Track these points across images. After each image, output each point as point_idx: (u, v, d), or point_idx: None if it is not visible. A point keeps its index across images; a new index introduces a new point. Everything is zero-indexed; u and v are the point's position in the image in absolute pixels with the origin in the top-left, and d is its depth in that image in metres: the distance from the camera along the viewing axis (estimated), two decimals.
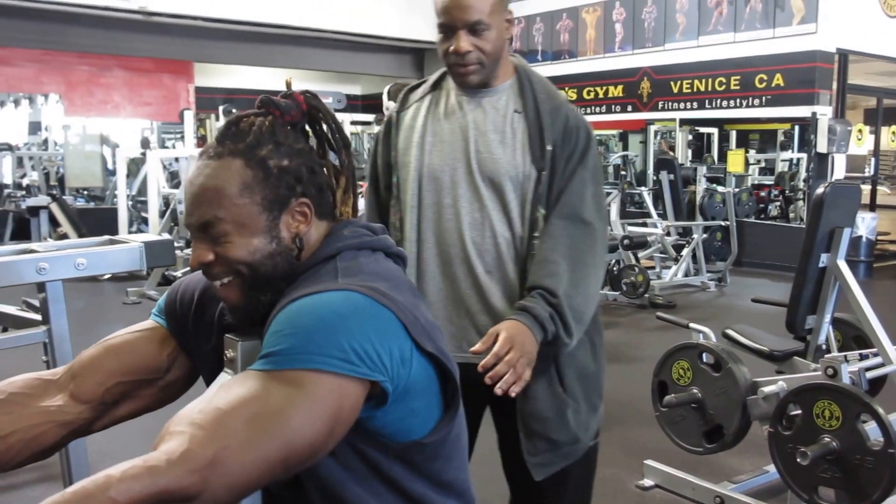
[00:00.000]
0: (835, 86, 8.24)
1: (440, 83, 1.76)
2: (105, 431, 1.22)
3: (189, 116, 8.19)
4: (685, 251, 7.04)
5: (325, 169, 1.15)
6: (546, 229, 1.62)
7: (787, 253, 7.46)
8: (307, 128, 1.17)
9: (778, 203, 9.18)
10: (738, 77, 8.52)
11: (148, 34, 9.37)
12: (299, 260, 1.10)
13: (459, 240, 1.66)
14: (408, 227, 1.70)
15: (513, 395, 1.48)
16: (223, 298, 1.12)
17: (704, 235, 7.36)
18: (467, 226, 1.65)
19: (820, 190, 2.72)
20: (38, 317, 2.02)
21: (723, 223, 7.49)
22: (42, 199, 8.36)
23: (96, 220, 8.48)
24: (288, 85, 1.15)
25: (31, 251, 1.92)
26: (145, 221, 8.48)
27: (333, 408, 0.94)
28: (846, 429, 2.33)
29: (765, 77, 8.28)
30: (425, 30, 11.34)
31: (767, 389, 2.62)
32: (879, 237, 9.08)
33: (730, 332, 3.01)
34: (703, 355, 2.80)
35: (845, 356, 2.55)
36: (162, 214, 7.30)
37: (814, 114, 7.97)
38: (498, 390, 1.46)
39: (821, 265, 2.73)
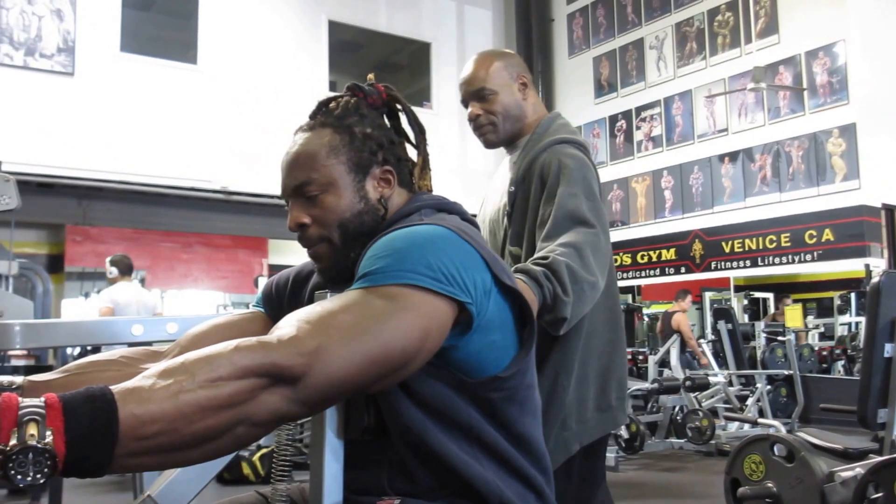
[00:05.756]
0: (885, 238, 8.41)
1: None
2: None
3: (263, 283, 8.68)
4: (749, 401, 6.97)
5: (403, 145, 1.29)
6: (544, 232, 1.68)
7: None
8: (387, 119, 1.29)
9: (841, 362, 9.07)
10: (788, 234, 8.74)
11: (227, 213, 10.15)
12: (384, 220, 1.21)
13: None
14: None
15: None
16: (315, 258, 1.23)
17: (768, 387, 7.29)
18: None
19: (875, 279, 2.81)
20: None
21: (786, 372, 7.43)
22: None
23: None
24: (370, 80, 1.30)
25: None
26: None
27: (425, 319, 1.00)
28: None
29: (814, 233, 8.50)
30: None
31: (845, 475, 2.65)
32: None
33: (801, 434, 3.06)
34: (775, 447, 2.85)
35: None
36: None
37: (867, 266, 8.14)
38: None
39: (886, 355, 2.77)
